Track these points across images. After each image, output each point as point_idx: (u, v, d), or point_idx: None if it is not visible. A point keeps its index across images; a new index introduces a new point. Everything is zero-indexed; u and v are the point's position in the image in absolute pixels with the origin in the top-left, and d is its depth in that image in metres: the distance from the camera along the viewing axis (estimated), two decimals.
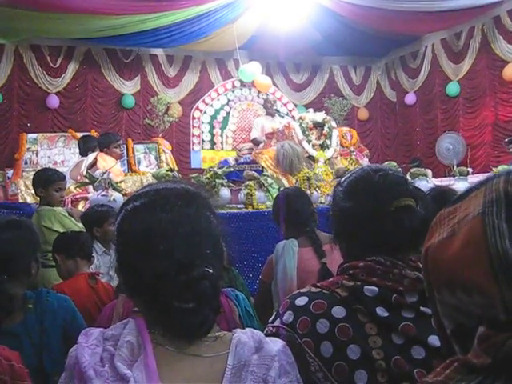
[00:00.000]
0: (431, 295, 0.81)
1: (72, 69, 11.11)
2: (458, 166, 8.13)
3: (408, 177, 7.55)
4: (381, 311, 1.37)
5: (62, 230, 4.20)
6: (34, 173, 8.37)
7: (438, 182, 7.29)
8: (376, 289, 1.39)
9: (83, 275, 3.33)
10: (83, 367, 1.07)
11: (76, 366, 1.09)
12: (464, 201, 0.78)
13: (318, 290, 1.47)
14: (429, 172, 7.94)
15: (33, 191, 7.71)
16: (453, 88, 11.43)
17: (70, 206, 5.59)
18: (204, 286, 1.14)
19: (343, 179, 1.61)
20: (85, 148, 6.99)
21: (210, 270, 1.15)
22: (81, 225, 4.43)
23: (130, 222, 1.21)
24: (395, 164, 7.50)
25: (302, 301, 1.44)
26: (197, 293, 1.13)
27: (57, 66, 11.00)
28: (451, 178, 7.47)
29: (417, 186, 3.64)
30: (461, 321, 0.75)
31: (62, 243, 3.52)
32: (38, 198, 4.67)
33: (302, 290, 1.50)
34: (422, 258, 0.83)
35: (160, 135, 10.18)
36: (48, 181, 4.47)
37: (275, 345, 1.18)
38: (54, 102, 10.85)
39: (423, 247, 0.84)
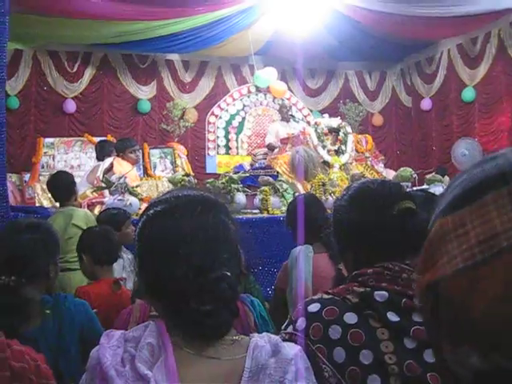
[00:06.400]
0: (438, 344, 0.60)
1: (89, 74, 11.18)
2: None
3: (424, 183, 7.52)
4: (392, 316, 1.40)
5: None
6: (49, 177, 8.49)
7: None
8: (386, 294, 1.42)
9: (108, 281, 3.34)
10: (105, 367, 1.10)
11: (98, 367, 1.12)
12: (474, 206, 0.55)
13: (330, 296, 1.50)
14: (446, 179, 7.89)
15: (49, 195, 7.82)
16: (469, 93, 11.36)
17: (86, 210, 5.63)
18: (222, 287, 1.16)
19: (343, 194, 1.67)
20: (101, 153, 7.04)
21: (228, 273, 1.17)
22: None
23: (151, 226, 1.24)
24: (411, 170, 7.48)
25: (314, 307, 1.46)
26: (215, 295, 1.15)
27: (74, 71, 11.08)
28: None
29: (432, 191, 3.62)
30: (482, 369, 0.55)
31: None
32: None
33: (314, 297, 1.53)
34: (422, 294, 0.60)
35: (175, 140, 10.22)
36: None
37: (292, 349, 1.20)
38: (70, 106, 10.93)
39: (422, 277, 0.60)
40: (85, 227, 4.37)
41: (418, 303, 0.63)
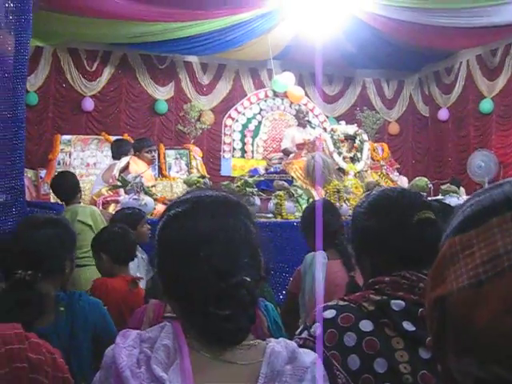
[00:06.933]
0: (442, 353, 0.64)
1: (108, 73, 11.25)
2: (489, 184, 8.03)
3: (439, 193, 7.50)
4: (408, 325, 1.39)
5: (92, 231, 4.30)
6: None
7: None
8: (403, 303, 1.41)
9: (126, 278, 3.36)
10: (120, 367, 1.09)
11: (113, 366, 1.11)
12: (480, 228, 0.60)
13: (346, 303, 1.49)
14: (462, 190, 7.84)
15: None
16: (486, 105, 11.30)
17: (101, 208, 5.66)
18: (242, 293, 1.15)
19: (362, 201, 1.66)
20: (118, 152, 7.07)
21: (248, 279, 1.16)
22: None
23: (172, 227, 1.23)
24: (426, 180, 7.45)
25: (329, 314, 1.45)
26: (234, 300, 1.14)
27: (93, 69, 11.15)
28: None
29: (447, 202, 3.59)
30: (482, 378, 0.58)
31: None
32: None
33: (329, 303, 1.52)
34: (431, 308, 0.65)
35: (191, 142, 10.24)
36: None
37: (308, 356, 1.19)
38: (88, 104, 11.00)
39: (431, 291, 0.65)
40: (91, 223, 4.42)
41: (425, 316, 0.67)
